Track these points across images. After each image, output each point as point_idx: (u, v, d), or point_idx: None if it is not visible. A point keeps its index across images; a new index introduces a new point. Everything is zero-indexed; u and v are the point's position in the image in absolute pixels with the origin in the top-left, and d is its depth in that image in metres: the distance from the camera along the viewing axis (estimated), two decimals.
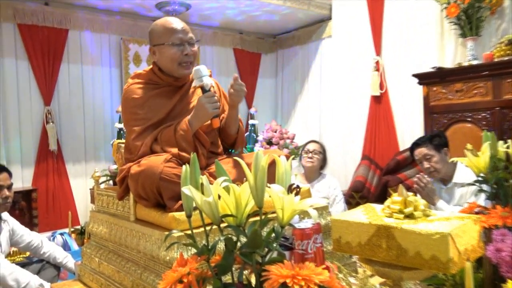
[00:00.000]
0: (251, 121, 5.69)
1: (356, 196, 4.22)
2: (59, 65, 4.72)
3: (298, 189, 1.05)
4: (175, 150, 1.77)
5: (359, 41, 5.02)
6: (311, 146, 3.49)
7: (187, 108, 1.90)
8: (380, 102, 4.82)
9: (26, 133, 4.58)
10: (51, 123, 4.64)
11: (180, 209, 1.62)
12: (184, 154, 1.77)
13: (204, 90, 1.84)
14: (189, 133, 1.80)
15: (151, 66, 2.01)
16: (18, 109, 4.53)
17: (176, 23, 1.90)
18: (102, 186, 4.18)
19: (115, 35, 5.12)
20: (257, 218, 1.06)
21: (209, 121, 1.88)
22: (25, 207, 4.29)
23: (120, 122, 4.79)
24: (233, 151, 2.18)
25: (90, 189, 4.60)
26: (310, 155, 3.43)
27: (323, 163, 3.51)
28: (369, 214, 1.40)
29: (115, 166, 4.14)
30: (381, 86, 4.78)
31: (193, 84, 1.87)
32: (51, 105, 4.68)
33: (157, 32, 1.91)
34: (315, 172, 3.47)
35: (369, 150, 4.87)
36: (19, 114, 4.54)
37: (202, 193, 1.04)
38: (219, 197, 1.06)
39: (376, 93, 4.78)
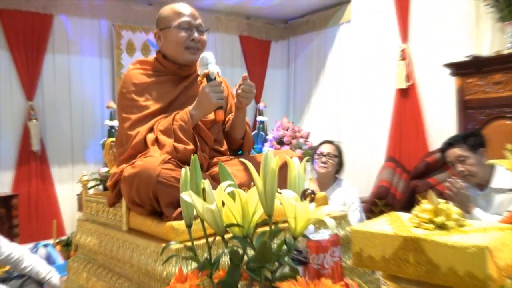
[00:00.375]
0: (259, 118, 5.69)
1: (379, 203, 4.20)
2: (43, 56, 4.76)
3: (313, 195, 1.04)
4: (170, 141, 1.79)
5: (383, 27, 5.00)
6: (325, 148, 3.46)
7: (192, 100, 1.92)
8: (406, 96, 4.79)
9: (6, 132, 4.62)
10: (34, 120, 4.67)
11: (179, 217, 1.62)
12: (179, 145, 1.78)
13: (209, 78, 1.86)
14: (189, 124, 1.82)
15: (154, 56, 2.06)
16: None
17: (185, 7, 1.98)
18: (91, 191, 4.19)
19: (106, 21, 5.15)
20: (267, 228, 1.06)
21: (212, 114, 1.90)
22: (4, 215, 4.33)
23: (111, 119, 4.82)
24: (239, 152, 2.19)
25: (78, 195, 4.63)
26: (323, 159, 3.41)
27: (339, 167, 3.49)
28: (395, 224, 1.39)
29: (105, 169, 4.17)
30: (408, 77, 4.76)
31: (198, 72, 1.89)
32: (34, 100, 4.72)
33: (164, 16, 1.98)
34: (330, 177, 3.45)
35: (394, 151, 4.84)
36: None
37: (204, 199, 1.04)
38: (223, 204, 1.06)
39: (402, 85, 4.76)
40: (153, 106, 1.92)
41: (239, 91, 1.94)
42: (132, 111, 1.91)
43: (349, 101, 5.50)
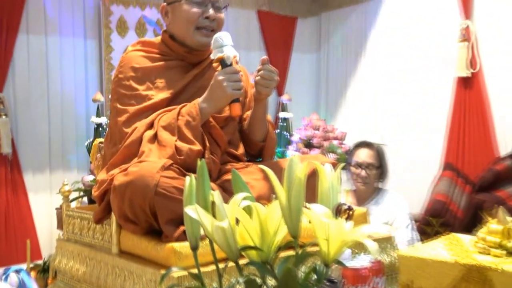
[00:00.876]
0: (282, 114, 5.69)
1: (434, 222, 4.17)
2: (15, 37, 4.81)
3: (350, 212, 1.04)
4: (172, 140, 1.80)
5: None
6: (362, 155, 3.45)
7: (202, 92, 1.93)
8: (470, 87, 4.75)
9: None
10: (3, 117, 4.72)
11: (182, 237, 1.63)
12: (183, 145, 1.79)
13: (224, 64, 1.87)
14: (198, 121, 1.84)
15: (159, 36, 2.10)
16: None
17: None
18: (73, 204, 4.23)
19: None
20: (291, 252, 1.06)
21: (226, 108, 1.91)
22: None
23: (98, 115, 4.86)
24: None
25: (57, 208, 4.67)
26: (363, 172, 3.39)
27: (381, 174, 3.48)
28: (454, 249, 1.38)
29: (91, 177, 4.21)
30: (472, 64, 4.71)
31: (211, 56, 1.91)
32: (4, 92, 4.76)
33: None
34: (371, 189, 3.44)
35: (453, 156, 4.80)
36: None
37: (214, 215, 1.05)
38: (237, 221, 1.06)
39: (464, 73, 4.72)
40: (156, 96, 1.94)
41: (258, 78, 1.94)
42: (130, 102, 1.93)
43: (396, 93, 5.46)
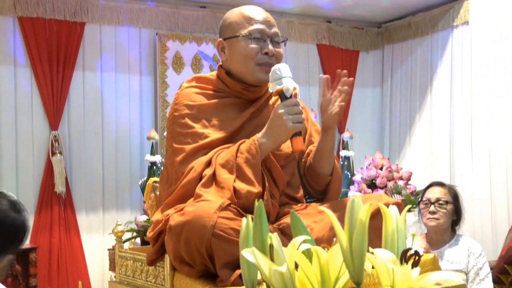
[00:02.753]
0: (343, 153, 5.66)
1: (511, 271, 4.02)
2: (71, 73, 4.98)
3: (417, 257, 1.03)
4: (230, 179, 1.80)
5: None
6: (433, 193, 3.38)
7: (261, 130, 1.94)
8: None
9: (25, 168, 4.84)
10: (58, 155, 4.86)
11: (238, 282, 1.63)
12: (242, 186, 1.79)
13: (283, 96, 1.87)
14: (257, 157, 1.84)
15: (215, 72, 2.12)
16: (15, 135, 4.81)
17: (258, 12, 2.04)
18: (126, 245, 4.28)
19: (147, 29, 5.35)
20: None
21: (287, 147, 1.90)
22: (20, 273, 4.48)
23: (153, 153, 4.94)
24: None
25: (109, 249, 4.74)
26: (432, 207, 3.33)
27: (456, 217, 3.40)
28: None
29: (145, 217, 4.27)
30: None
31: (270, 89, 1.91)
32: (59, 129, 4.93)
33: (231, 21, 2.04)
34: (444, 232, 3.36)
35: None
36: (16, 141, 4.81)
37: (272, 259, 1.05)
38: (297, 266, 1.06)
39: None
40: (213, 135, 1.95)
41: (332, 96, 1.94)
42: (186, 140, 1.95)
43: (468, 129, 5.35)
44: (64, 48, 4.93)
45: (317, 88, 5.99)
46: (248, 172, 1.82)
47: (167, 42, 5.35)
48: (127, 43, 5.28)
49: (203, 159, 1.89)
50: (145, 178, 4.80)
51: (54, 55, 4.89)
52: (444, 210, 3.33)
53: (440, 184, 3.49)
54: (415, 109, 6.05)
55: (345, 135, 5.87)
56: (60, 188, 4.83)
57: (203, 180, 1.83)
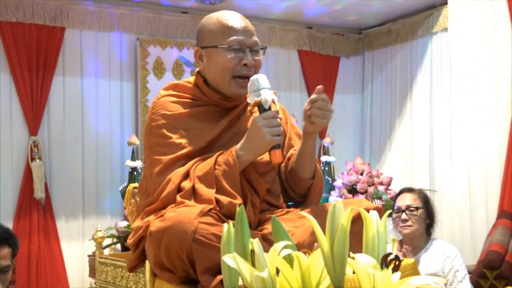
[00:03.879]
0: (324, 158, 5.68)
1: (489, 275, 4.06)
2: (51, 78, 4.96)
3: (397, 262, 1.03)
4: (211, 193, 1.80)
5: (495, 36, 4.92)
6: (404, 200, 3.41)
7: (238, 140, 1.93)
8: None
9: (4, 174, 4.79)
10: (37, 160, 4.83)
11: (220, 287, 1.63)
12: (223, 198, 1.79)
13: (262, 108, 1.86)
14: (235, 170, 1.84)
15: (193, 77, 2.10)
16: None
17: (237, 20, 1.99)
18: (107, 251, 4.24)
19: (128, 34, 5.34)
20: None
21: (266, 154, 1.90)
22: None
23: (133, 159, 4.92)
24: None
25: (89, 255, 4.71)
26: (404, 215, 3.36)
27: (429, 220, 3.43)
28: None
29: (125, 223, 4.24)
30: None
31: (248, 100, 1.90)
32: (39, 135, 4.89)
33: (209, 30, 2.00)
34: (419, 238, 3.39)
35: (509, 204, 4.68)
36: None
37: (253, 265, 1.05)
38: (278, 271, 1.06)
39: None
40: (190, 145, 1.94)
41: (314, 109, 1.91)
42: (163, 151, 1.93)
43: (447, 134, 5.39)
44: (44, 53, 4.91)
45: (298, 94, 6.02)
46: (227, 185, 1.82)
47: (148, 47, 5.35)
48: (108, 48, 5.27)
49: (181, 170, 1.87)
50: (125, 184, 4.79)
51: (33, 60, 4.86)
52: (416, 217, 3.35)
53: (409, 190, 3.52)
54: (395, 115, 6.09)
55: (326, 141, 5.89)
56: (39, 194, 4.80)
57: (181, 193, 1.81)
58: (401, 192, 3.52)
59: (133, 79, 5.37)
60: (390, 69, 6.19)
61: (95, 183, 5.15)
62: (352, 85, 6.51)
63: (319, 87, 1.91)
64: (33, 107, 4.85)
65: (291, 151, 2.10)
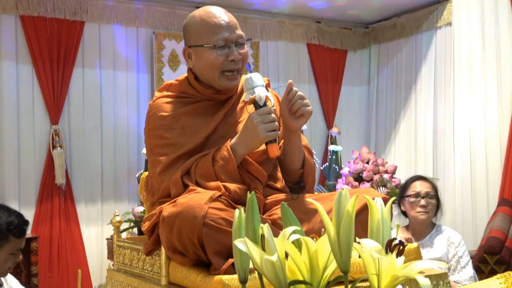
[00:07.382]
0: (331, 147, 5.66)
1: (490, 260, 4.06)
2: (71, 70, 4.98)
3: (402, 247, 1.03)
4: (216, 183, 1.81)
5: (498, 31, 4.88)
6: (422, 187, 3.39)
7: (234, 130, 1.93)
8: None
9: (27, 161, 4.84)
10: (58, 148, 4.86)
11: (231, 270, 1.63)
12: (227, 186, 1.81)
13: (257, 105, 1.86)
14: (232, 163, 1.84)
15: (185, 75, 2.08)
16: (17, 129, 4.81)
17: (220, 16, 1.96)
18: (124, 235, 4.28)
19: (145, 28, 5.35)
20: (341, 287, 1.05)
21: (263, 147, 1.89)
22: (21, 262, 4.48)
23: None
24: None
25: (108, 239, 4.75)
26: (422, 201, 3.33)
27: (437, 209, 3.43)
28: (511, 286, 1.34)
29: (141, 208, 4.26)
30: None
31: (243, 98, 1.90)
32: (59, 124, 4.93)
33: (194, 29, 1.99)
34: (428, 224, 3.39)
35: (509, 192, 4.67)
36: (18, 135, 4.81)
37: (263, 249, 1.05)
38: (287, 255, 1.06)
39: None
40: (188, 142, 1.93)
41: (297, 103, 1.88)
42: (163, 152, 1.94)
43: (450, 125, 5.37)
44: (64, 46, 4.94)
45: (307, 86, 6.01)
46: (225, 178, 1.83)
47: (163, 41, 5.36)
48: (125, 41, 5.29)
49: (182, 169, 1.88)
50: (142, 171, 4.81)
51: (54, 53, 4.89)
52: (432, 204, 3.36)
53: (424, 178, 3.51)
54: (400, 106, 6.07)
55: (334, 131, 5.88)
56: (60, 180, 4.85)
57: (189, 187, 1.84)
58: (417, 178, 3.49)
59: (149, 71, 5.39)
60: (395, 62, 6.16)
61: (113, 170, 5.18)
62: (358, 77, 6.48)
63: (290, 81, 1.92)
64: (54, 98, 4.89)
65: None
